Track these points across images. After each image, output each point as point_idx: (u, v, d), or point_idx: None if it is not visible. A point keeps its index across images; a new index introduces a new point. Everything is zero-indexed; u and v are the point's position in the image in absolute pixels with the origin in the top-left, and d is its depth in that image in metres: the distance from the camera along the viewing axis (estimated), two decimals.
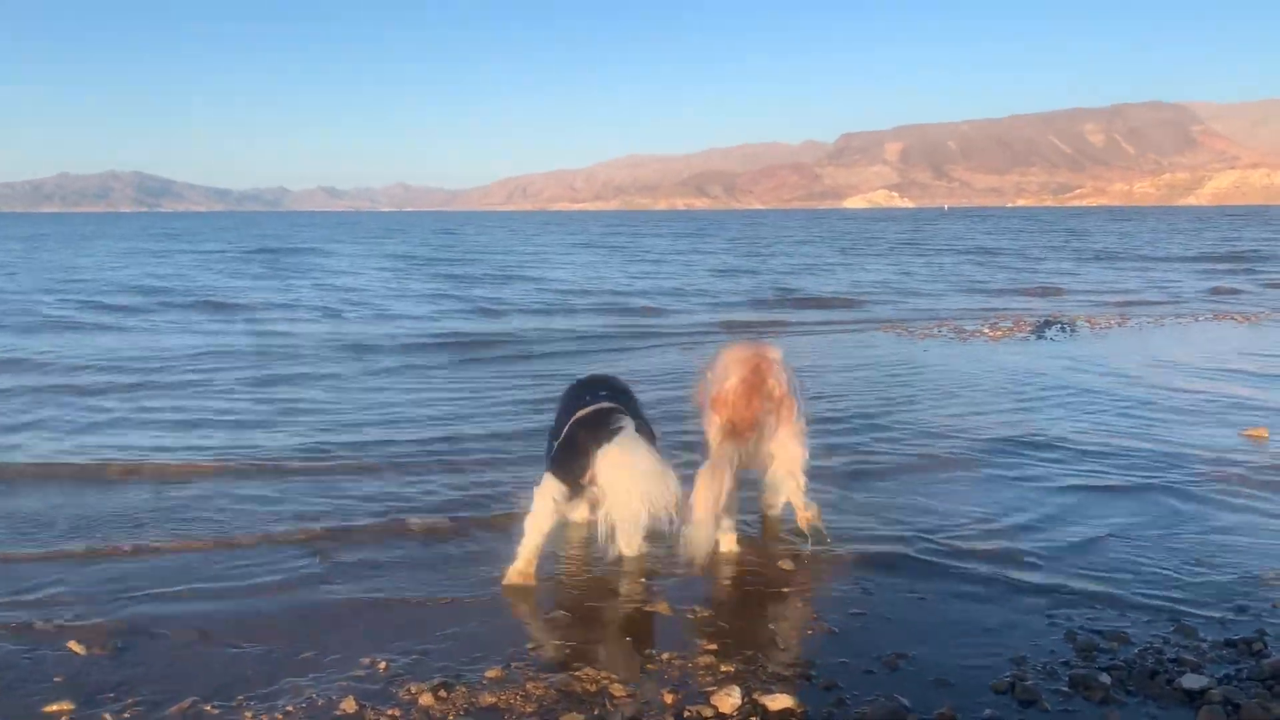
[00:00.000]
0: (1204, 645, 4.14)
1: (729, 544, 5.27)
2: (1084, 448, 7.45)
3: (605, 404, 4.82)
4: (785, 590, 4.81)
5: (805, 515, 5.24)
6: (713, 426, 5.06)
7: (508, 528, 5.41)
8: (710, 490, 4.77)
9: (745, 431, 4.94)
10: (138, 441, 7.76)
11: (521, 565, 4.84)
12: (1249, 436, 7.83)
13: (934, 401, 9.26)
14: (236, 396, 9.72)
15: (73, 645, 4.13)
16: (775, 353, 5.23)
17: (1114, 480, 6.58)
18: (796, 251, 43.03)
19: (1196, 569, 5.02)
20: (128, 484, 6.57)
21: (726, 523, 5.23)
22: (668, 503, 4.48)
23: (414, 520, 5.76)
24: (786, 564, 5.13)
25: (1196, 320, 16.36)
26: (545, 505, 4.83)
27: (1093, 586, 4.80)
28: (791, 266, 32.37)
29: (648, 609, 4.54)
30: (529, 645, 4.16)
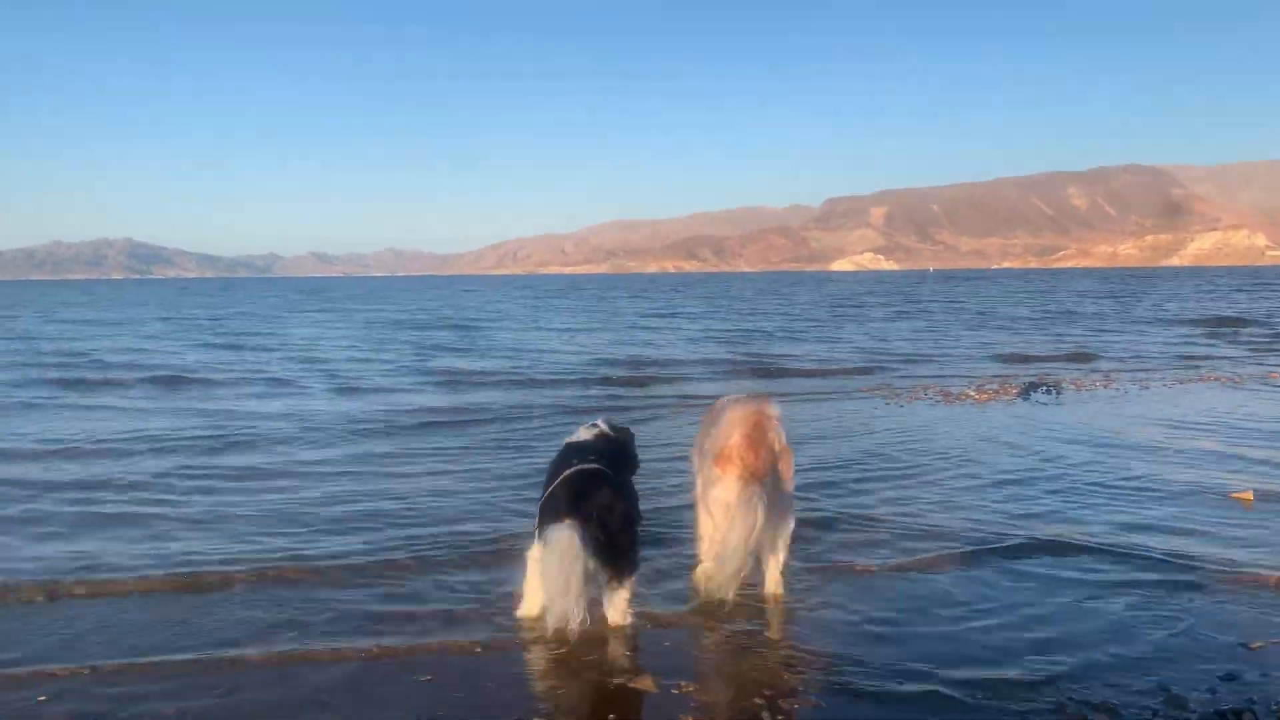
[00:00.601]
0: (1193, 716, 4.11)
1: (774, 584, 5.55)
2: (1076, 529, 7.43)
3: (589, 466, 4.89)
4: (772, 663, 4.75)
5: (775, 592, 5.56)
6: (725, 479, 5.10)
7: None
8: (741, 524, 4.93)
9: (762, 477, 5.05)
10: (88, 547, 6.80)
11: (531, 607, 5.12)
12: (1236, 499, 7.85)
13: (920, 480, 8.80)
14: (190, 494, 8.48)
15: None
16: (774, 409, 5.41)
17: (1108, 565, 6.51)
18: (781, 313, 43.23)
19: (1186, 640, 4.99)
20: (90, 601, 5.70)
21: (771, 561, 5.50)
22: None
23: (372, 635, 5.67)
24: (774, 634, 5.09)
25: (1181, 383, 16.44)
26: (535, 576, 5.00)
27: (1081, 657, 4.76)
28: (775, 330, 32.45)
29: (632, 684, 4.47)
30: None
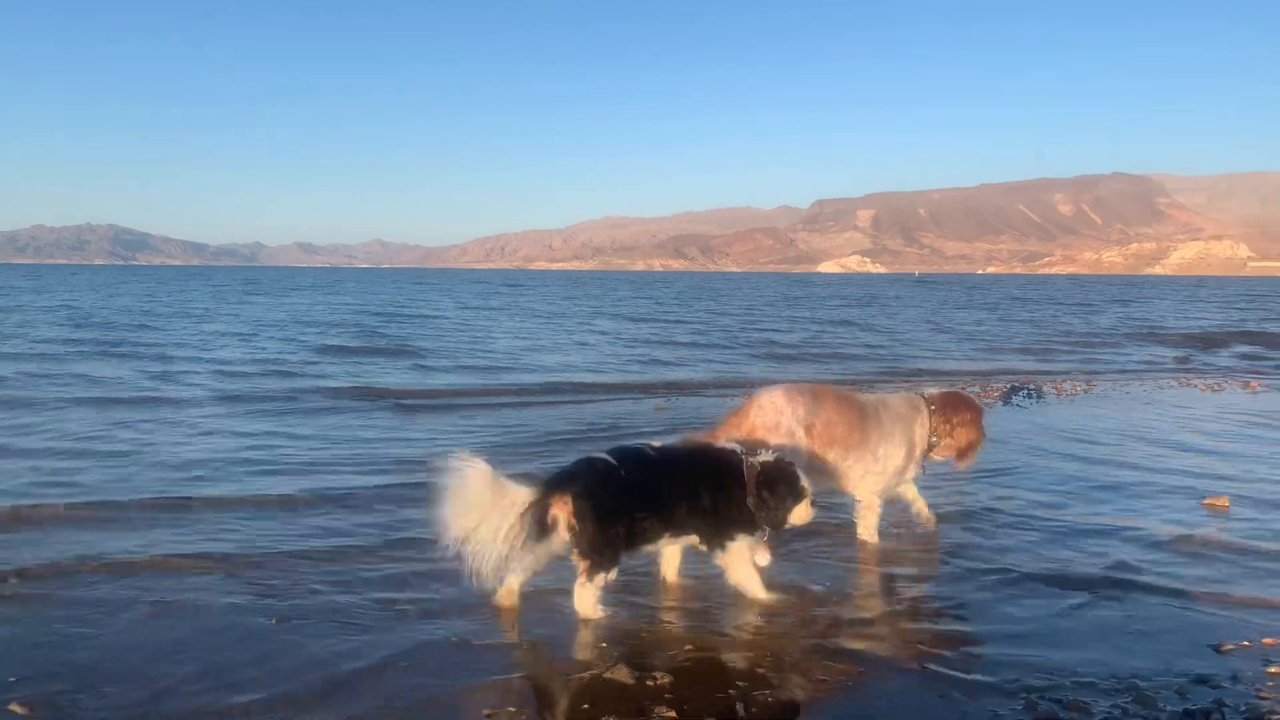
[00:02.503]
0: (1162, 716, 4.14)
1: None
2: (1045, 520, 7.50)
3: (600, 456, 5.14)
4: (750, 654, 4.77)
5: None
6: None
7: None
8: None
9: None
10: None
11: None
12: (1210, 506, 7.91)
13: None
14: None
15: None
16: (767, 398, 6.47)
17: (1076, 558, 6.60)
18: (773, 317, 43.28)
19: (1157, 640, 5.04)
20: None
21: None
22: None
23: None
24: (749, 629, 5.11)
25: (1160, 387, 16.57)
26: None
27: (1053, 658, 4.80)
28: (759, 331, 32.48)
29: (607, 675, 4.48)
30: (485, 712, 4.09)
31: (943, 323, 36.99)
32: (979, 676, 4.58)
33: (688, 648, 4.86)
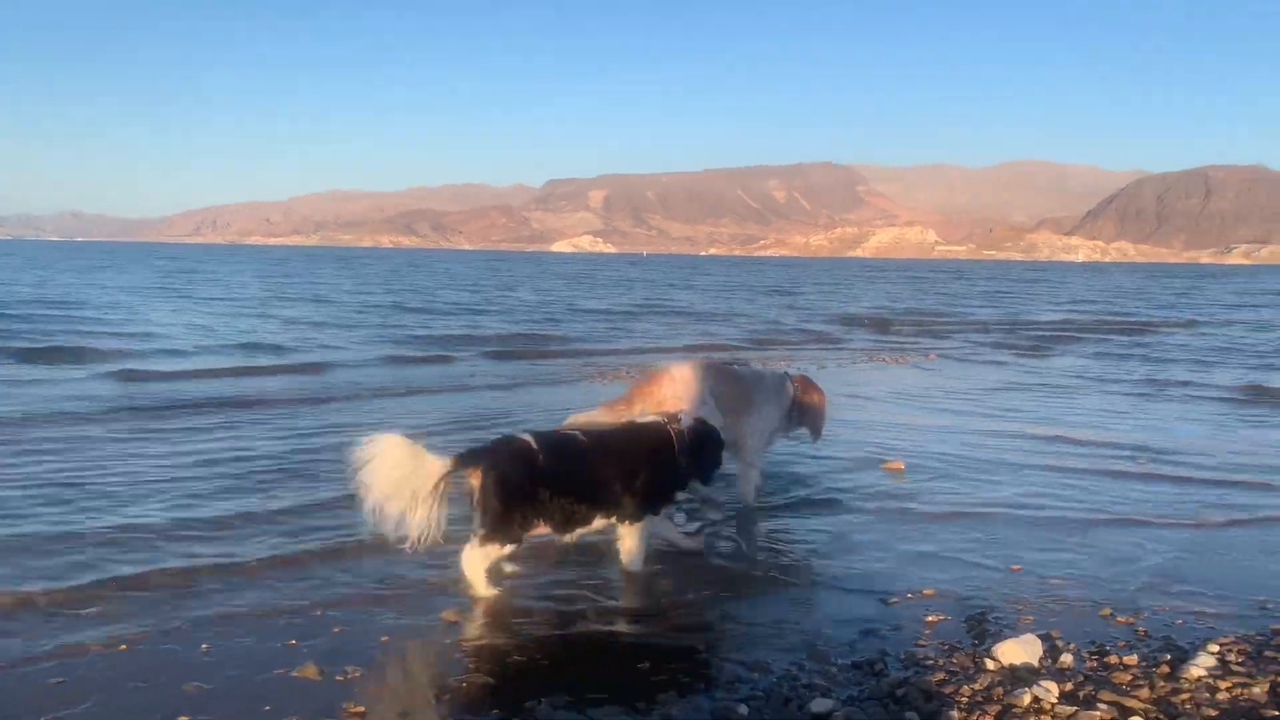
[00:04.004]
0: (834, 669, 4.46)
1: None
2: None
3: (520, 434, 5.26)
4: (445, 643, 4.68)
5: None
6: None
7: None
8: None
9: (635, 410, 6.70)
10: None
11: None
12: (888, 469, 8.64)
13: None
14: None
15: None
16: (668, 374, 6.88)
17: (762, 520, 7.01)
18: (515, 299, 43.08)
19: (832, 597, 5.43)
20: None
21: None
22: None
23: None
24: (450, 615, 5.01)
25: (853, 362, 18.01)
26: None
27: (737, 621, 5.05)
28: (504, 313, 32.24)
29: (294, 674, 4.24)
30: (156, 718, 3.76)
31: (661, 304, 38.30)
32: (667, 640, 4.75)
33: (384, 639, 4.70)
